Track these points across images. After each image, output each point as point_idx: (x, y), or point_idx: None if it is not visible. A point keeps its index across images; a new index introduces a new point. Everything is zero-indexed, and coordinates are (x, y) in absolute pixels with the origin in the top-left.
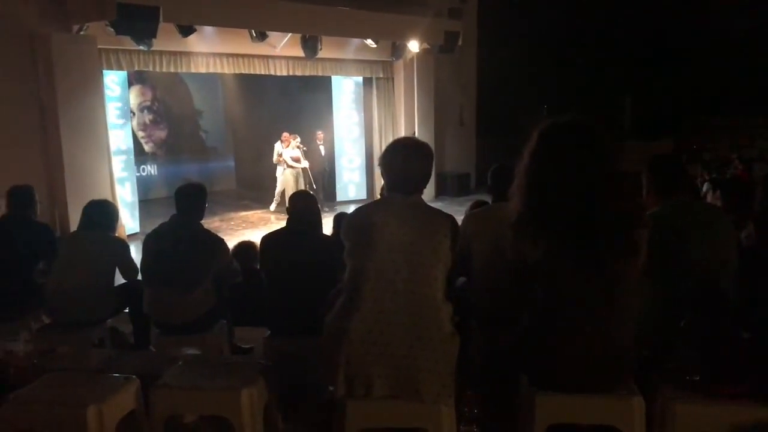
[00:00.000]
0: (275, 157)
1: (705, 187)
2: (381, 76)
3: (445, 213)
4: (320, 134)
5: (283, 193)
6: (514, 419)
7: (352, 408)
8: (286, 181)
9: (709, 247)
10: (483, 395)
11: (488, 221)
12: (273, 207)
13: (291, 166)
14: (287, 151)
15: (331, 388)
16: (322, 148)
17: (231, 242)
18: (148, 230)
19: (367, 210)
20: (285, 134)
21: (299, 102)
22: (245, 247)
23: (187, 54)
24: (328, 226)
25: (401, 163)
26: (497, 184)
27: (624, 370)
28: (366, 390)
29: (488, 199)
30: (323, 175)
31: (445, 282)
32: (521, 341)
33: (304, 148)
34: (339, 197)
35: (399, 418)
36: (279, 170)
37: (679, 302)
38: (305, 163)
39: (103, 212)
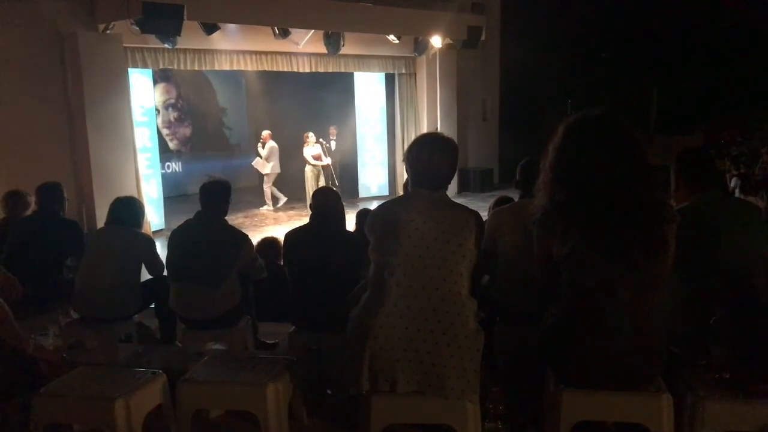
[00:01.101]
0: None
1: (733, 183)
2: (403, 71)
3: (470, 209)
4: (333, 129)
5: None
6: (540, 416)
7: (377, 403)
8: (306, 178)
9: (741, 243)
10: (508, 392)
11: (515, 217)
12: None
13: (312, 164)
14: (307, 149)
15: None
16: (333, 143)
17: (255, 238)
18: (173, 226)
19: (392, 206)
20: (264, 134)
21: (322, 98)
22: (268, 243)
23: (211, 52)
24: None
25: (427, 158)
26: (527, 179)
27: (653, 368)
28: (391, 386)
29: (515, 194)
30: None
31: (470, 278)
32: (548, 337)
33: (327, 144)
34: (361, 193)
35: (423, 414)
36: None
37: (710, 299)
38: (327, 160)
39: (129, 209)
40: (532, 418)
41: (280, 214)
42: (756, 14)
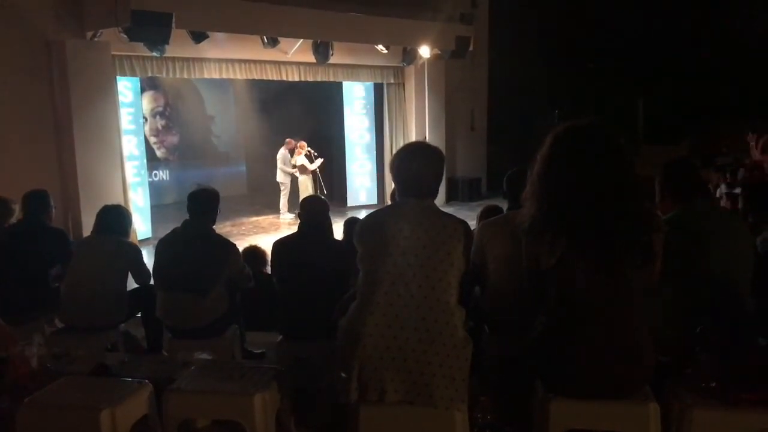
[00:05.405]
0: (287, 167)
1: (719, 192)
2: (392, 81)
3: (458, 218)
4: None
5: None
6: (528, 425)
7: (365, 413)
8: (301, 189)
9: (727, 253)
10: (497, 401)
11: (504, 228)
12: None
13: (303, 173)
14: (300, 158)
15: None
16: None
17: (243, 247)
18: (161, 235)
19: (381, 215)
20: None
21: (310, 107)
22: (251, 252)
23: (200, 60)
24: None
25: (413, 168)
26: (514, 189)
27: (640, 376)
28: (379, 395)
29: (503, 203)
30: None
31: (458, 287)
32: (536, 346)
33: (316, 154)
34: (350, 202)
35: (412, 424)
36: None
37: (697, 308)
38: (315, 164)
39: (117, 217)
40: (521, 427)
41: (268, 223)
42: (743, 26)
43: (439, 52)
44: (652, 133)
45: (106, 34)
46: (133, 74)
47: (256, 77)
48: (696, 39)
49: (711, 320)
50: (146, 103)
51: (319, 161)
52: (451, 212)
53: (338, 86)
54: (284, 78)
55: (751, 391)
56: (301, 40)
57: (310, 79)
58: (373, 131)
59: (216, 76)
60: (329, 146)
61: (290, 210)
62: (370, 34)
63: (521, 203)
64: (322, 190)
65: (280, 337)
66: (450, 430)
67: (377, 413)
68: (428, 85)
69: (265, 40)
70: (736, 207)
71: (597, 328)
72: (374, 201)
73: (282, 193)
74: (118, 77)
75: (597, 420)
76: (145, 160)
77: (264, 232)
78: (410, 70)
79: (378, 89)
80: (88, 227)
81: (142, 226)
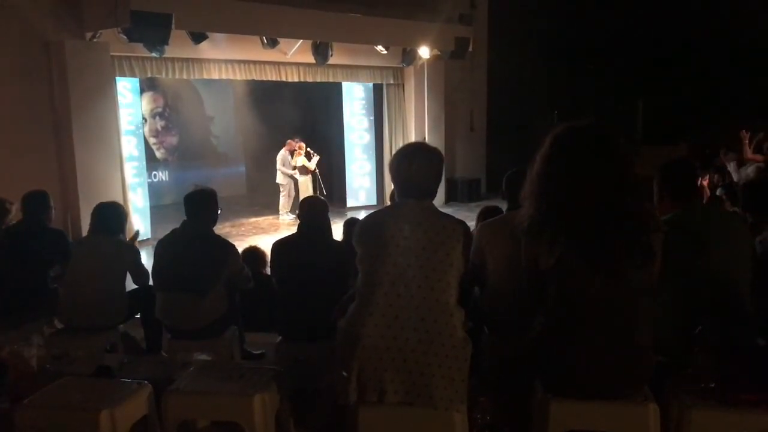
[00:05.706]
0: (286, 168)
1: (718, 192)
2: (391, 82)
3: (457, 218)
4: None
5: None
6: (527, 426)
7: (365, 414)
8: (301, 189)
9: (727, 254)
10: (496, 401)
11: (503, 229)
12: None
13: (303, 174)
14: (300, 159)
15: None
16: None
17: (242, 248)
18: (160, 236)
19: (380, 215)
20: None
21: (310, 108)
22: (251, 253)
23: (199, 61)
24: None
25: (412, 169)
26: (513, 190)
27: (640, 377)
28: (378, 396)
29: (502, 204)
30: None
31: (458, 287)
32: (535, 347)
33: (315, 154)
34: (349, 203)
35: (411, 425)
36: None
37: (697, 308)
38: (314, 161)
39: (112, 214)
40: (520, 427)
41: (267, 224)
42: (743, 26)
43: (439, 52)
44: (651, 134)
45: (105, 35)
46: (133, 75)
47: (255, 78)
48: (696, 39)
49: (711, 320)
50: (145, 103)
51: (316, 158)
52: (450, 213)
53: (338, 87)
54: (284, 79)
55: (750, 392)
56: (301, 40)
57: (309, 79)
58: (372, 132)
59: (216, 76)
60: (328, 147)
61: (290, 211)
62: (370, 34)
63: (520, 203)
64: (321, 191)
65: (280, 337)
66: (449, 430)
67: (377, 414)
68: (428, 85)
69: (265, 41)
70: (736, 206)
71: (596, 328)
72: (374, 202)
73: (282, 194)
74: (117, 78)
75: (596, 420)
76: (144, 161)
77: (263, 233)
78: (410, 71)
79: (377, 90)
80: (87, 228)
81: (141, 227)
